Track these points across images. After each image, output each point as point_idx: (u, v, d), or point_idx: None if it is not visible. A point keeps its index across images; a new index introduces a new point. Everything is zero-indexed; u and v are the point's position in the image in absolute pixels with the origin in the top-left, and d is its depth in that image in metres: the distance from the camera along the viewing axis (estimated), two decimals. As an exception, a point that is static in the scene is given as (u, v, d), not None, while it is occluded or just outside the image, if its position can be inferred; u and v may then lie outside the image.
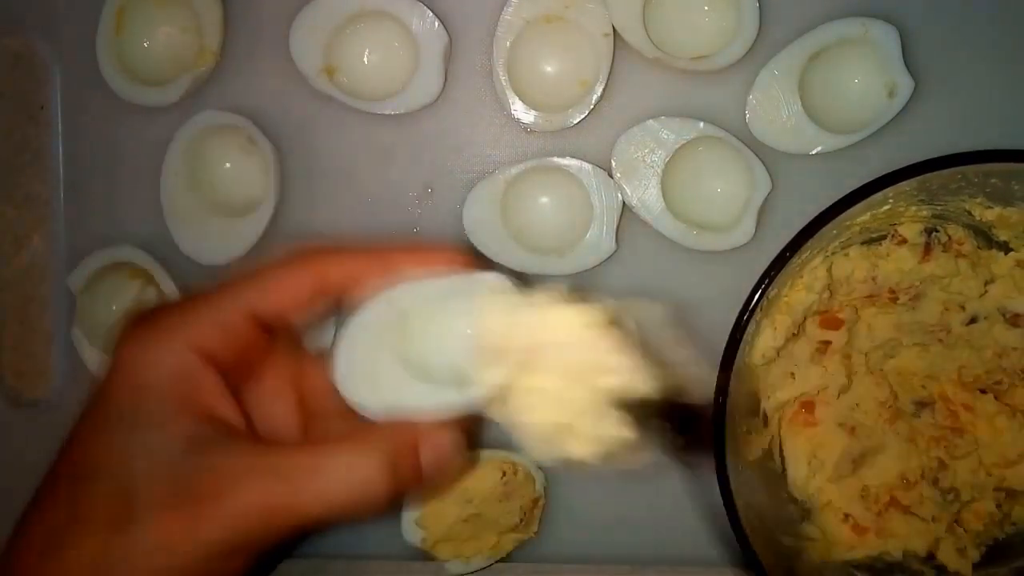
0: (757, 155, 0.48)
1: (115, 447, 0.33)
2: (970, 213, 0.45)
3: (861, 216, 0.43)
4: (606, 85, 0.48)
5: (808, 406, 0.48)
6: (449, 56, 0.50)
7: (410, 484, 0.35)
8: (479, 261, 0.41)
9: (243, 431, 0.35)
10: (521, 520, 0.49)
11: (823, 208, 0.41)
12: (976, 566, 0.47)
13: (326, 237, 0.37)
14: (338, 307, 0.37)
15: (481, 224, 0.49)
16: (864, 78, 0.48)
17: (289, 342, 0.38)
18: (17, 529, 0.34)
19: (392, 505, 0.36)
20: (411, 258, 0.36)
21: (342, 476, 0.34)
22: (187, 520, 0.32)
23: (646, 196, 0.49)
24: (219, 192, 0.51)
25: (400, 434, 0.35)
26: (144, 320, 0.35)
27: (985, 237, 0.46)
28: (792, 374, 0.47)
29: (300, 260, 0.36)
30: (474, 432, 0.44)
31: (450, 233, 0.50)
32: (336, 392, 0.36)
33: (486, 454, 0.50)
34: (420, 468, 0.35)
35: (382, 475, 0.34)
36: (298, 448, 0.35)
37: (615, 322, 0.39)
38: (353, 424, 0.36)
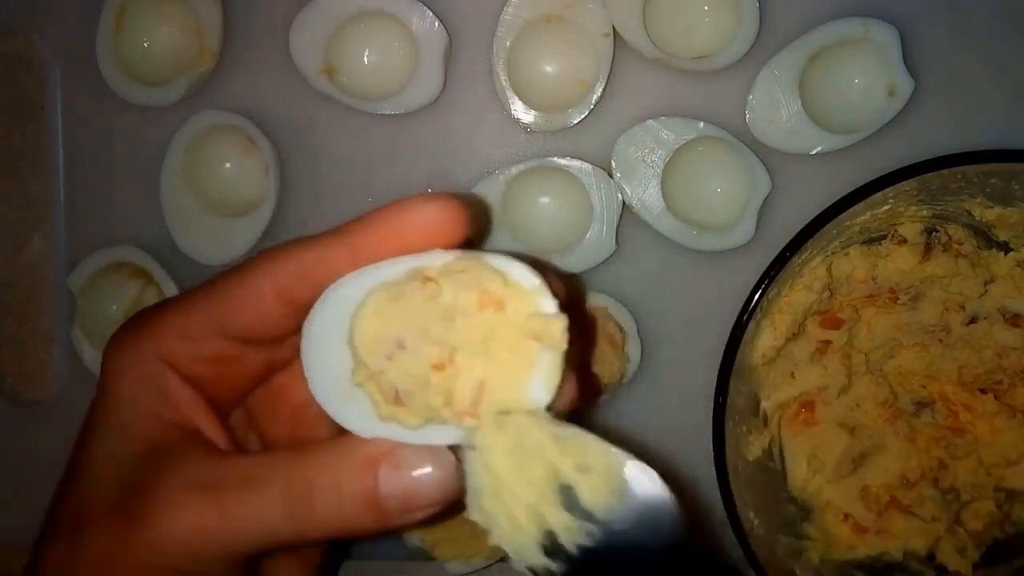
0: (757, 155, 0.48)
1: (85, 455, 0.32)
2: (970, 213, 0.45)
3: (861, 216, 0.43)
4: (606, 85, 0.48)
5: (808, 406, 0.48)
6: (449, 56, 0.50)
7: (363, 518, 0.29)
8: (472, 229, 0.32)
9: (215, 443, 0.33)
10: (521, 520, 0.49)
11: (823, 208, 0.41)
12: (976, 566, 0.47)
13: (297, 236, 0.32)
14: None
15: (481, 224, 0.49)
16: (864, 78, 0.47)
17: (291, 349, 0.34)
18: None
19: (354, 537, 0.31)
20: (383, 239, 0.30)
21: (275, 496, 0.29)
22: (122, 534, 0.29)
23: (646, 196, 0.49)
24: (219, 192, 0.51)
25: (358, 451, 0.29)
26: (124, 327, 0.33)
27: (985, 237, 0.46)
28: (792, 374, 0.47)
29: (253, 267, 0.31)
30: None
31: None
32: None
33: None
34: (377, 500, 0.29)
35: (324, 500, 0.29)
36: (244, 458, 0.31)
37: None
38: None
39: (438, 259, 0.29)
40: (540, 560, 0.28)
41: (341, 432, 0.31)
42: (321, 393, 0.30)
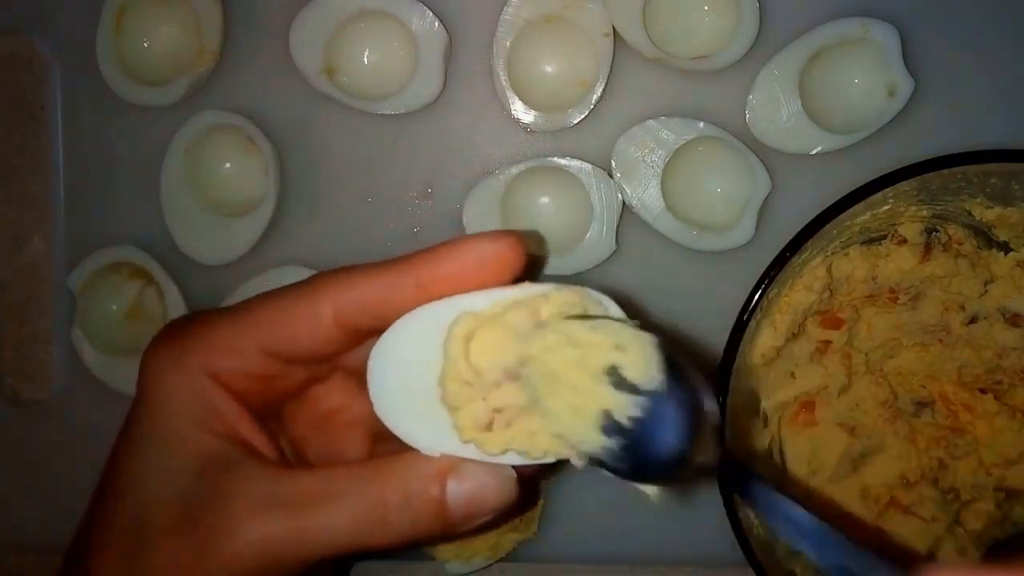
0: (757, 155, 0.48)
1: (134, 468, 0.32)
2: (970, 213, 0.45)
3: (861, 216, 0.43)
4: (606, 85, 0.48)
5: (808, 406, 0.48)
6: (449, 56, 0.50)
7: (431, 526, 0.31)
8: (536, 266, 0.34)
9: (268, 458, 0.33)
10: (521, 520, 0.49)
11: (823, 208, 0.41)
12: (976, 566, 0.47)
13: (353, 261, 0.33)
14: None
15: (481, 224, 0.49)
16: (864, 78, 0.47)
17: (344, 368, 0.36)
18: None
19: (419, 542, 0.33)
20: (450, 274, 0.31)
21: (349, 511, 0.31)
22: (192, 551, 0.30)
23: (646, 196, 0.49)
24: (219, 192, 0.51)
25: (426, 466, 0.31)
26: (165, 338, 0.34)
27: (985, 237, 0.46)
28: (792, 374, 0.47)
29: (314, 291, 0.32)
30: (539, 477, 0.39)
31: (452, 233, 0.50)
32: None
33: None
34: (445, 509, 0.31)
35: (396, 512, 0.31)
36: (312, 475, 0.32)
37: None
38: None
39: (533, 291, 0.31)
40: (599, 441, 0.30)
41: (376, 441, 0.33)
42: (391, 414, 0.32)
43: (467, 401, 0.31)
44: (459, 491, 0.31)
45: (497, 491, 0.31)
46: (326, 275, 0.33)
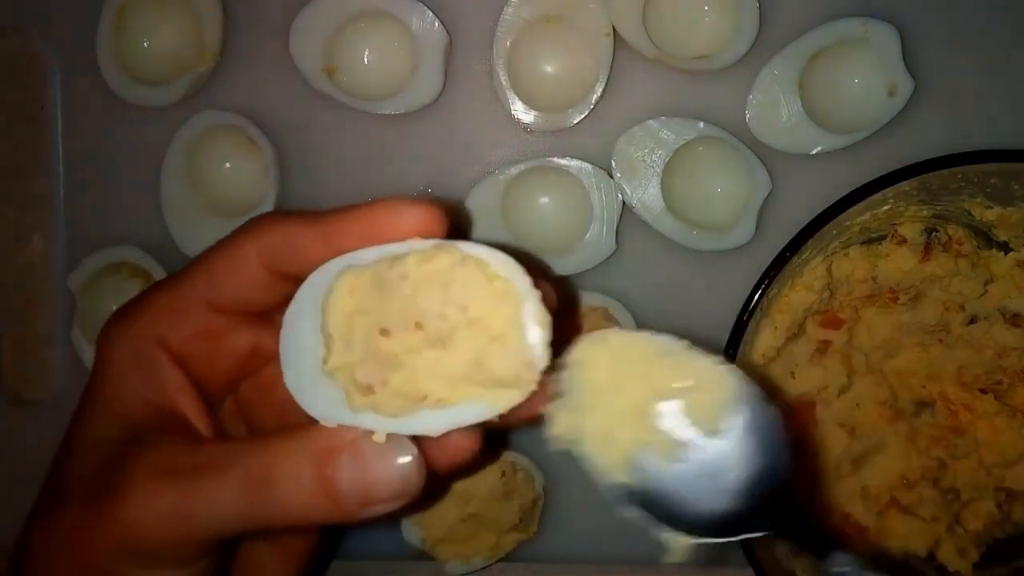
0: (757, 155, 0.48)
1: (72, 432, 0.33)
2: (970, 213, 0.45)
3: (861, 216, 0.43)
4: (606, 85, 0.48)
5: (808, 406, 0.48)
6: (449, 56, 0.50)
7: (320, 509, 0.28)
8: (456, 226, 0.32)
9: (197, 430, 0.33)
10: (520, 520, 0.49)
11: (823, 208, 0.41)
12: (976, 566, 0.47)
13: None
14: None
15: (481, 224, 0.49)
16: (864, 78, 0.48)
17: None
18: None
19: (322, 526, 0.30)
20: (367, 226, 0.30)
21: (235, 483, 0.29)
22: (94, 516, 0.30)
23: (646, 196, 0.49)
24: (219, 192, 0.51)
25: (319, 440, 0.29)
26: (120, 309, 0.34)
27: (985, 237, 0.46)
28: (792, 374, 0.47)
29: (241, 232, 0.31)
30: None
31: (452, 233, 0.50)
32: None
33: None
34: (336, 491, 0.28)
35: (284, 488, 0.28)
36: (211, 446, 0.31)
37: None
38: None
39: (413, 246, 0.29)
40: (623, 477, 0.28)
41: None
42: (293, 381, 0.29)
43: (340, 367, 0.28)
44: (352, 473, 0.28)
45: (397, 475, 0.28)
46: (258, 217, 0.32)
